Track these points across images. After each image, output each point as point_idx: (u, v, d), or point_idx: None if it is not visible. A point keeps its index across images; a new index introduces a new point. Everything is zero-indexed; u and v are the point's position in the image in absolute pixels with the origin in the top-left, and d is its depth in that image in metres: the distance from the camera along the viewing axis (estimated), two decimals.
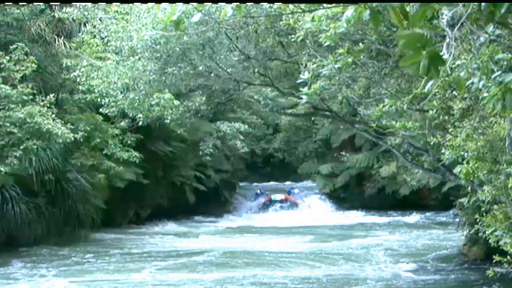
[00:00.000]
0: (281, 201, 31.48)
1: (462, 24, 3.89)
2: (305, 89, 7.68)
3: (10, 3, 18.04)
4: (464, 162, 7.54)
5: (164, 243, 19.28)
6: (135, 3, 11.87)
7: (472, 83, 4.29)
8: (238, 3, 4.30)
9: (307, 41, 9.78)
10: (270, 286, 13.38)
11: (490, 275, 7.06)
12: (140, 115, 13.12)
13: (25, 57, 17.71)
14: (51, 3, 19.03)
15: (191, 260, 16.37)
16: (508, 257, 6.72)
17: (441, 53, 3.76)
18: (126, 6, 12.59)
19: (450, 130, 8.00)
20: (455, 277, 14.19)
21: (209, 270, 15.08)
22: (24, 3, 18.19)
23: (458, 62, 4.80)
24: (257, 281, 13.79)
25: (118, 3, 13.23)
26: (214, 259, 16.54)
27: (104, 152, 20.09)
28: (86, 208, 19.44)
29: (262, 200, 32.00)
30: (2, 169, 16.45)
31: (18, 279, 13.85)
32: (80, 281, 13.93)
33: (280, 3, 10.74)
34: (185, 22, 8.60)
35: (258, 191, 33.86)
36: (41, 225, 18.01)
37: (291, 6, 8.19)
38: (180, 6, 5.70)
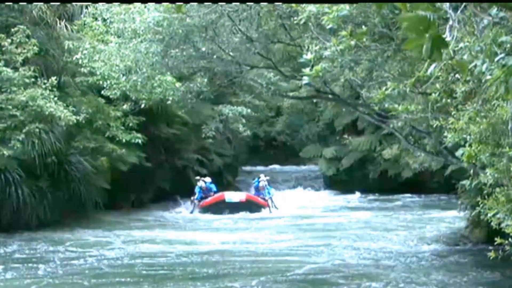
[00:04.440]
0: (239, 204, 22.61)
1: (465, 6, 3.88)
2: (307, 70, 7.66)
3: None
4: (467, 145, 7.54)
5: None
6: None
7: (475, 66, 4.28)
8: None
9: (310, 23, 9.75)
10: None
11: (491, 257, 7.08)
12: (142, 97, 13.13)
13: (27, 40, 17.69)
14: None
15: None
16: (510, 239, 6.74)
17: (444, 36, 3.74)
18: None
19: (452, 113, 7.99)
20: (457, 260, 14.23)
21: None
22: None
23: (461, 45, 4.78)
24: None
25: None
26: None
27: (106, 135, 20.12)
28: (88, 191, 19.48)
29: (208, 199, 23.08)
30: (5, 152, 16.49)
31: (21, 262, 13.85)
32: (82, 263, 13.97)
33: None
34: (186, 5, 8.59)
35: (203, 183, 23.64)
36: (44, 208, 18.05)
37: None
38: None
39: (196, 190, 23.55)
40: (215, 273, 13.10)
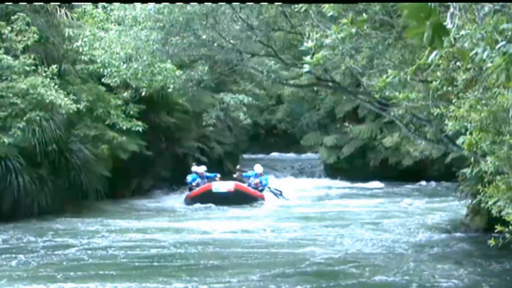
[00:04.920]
0: (227, 194, 21.25)
1: None
2: (307, 58, 7.63)
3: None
4: (467, 133, 7.53)
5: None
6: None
7: (476, 53, 4.27)
8: None
9: (310, 11, 9.73)
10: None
11: (491, 245, 7.10)
12: (143, 84, 13.10)
13: (27, 28, 17.65)
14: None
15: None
16: (510, 227, 6.75)
17: (445, 23, 3.73)
18: None
19: (453, 101, 7.98)
20: (457, 247, 14.26)
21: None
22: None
23: (462, 32, 4.76)
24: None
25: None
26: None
27: (106, 123, 20.12)
28: (89, 179, 19.50)
29: (196, 190, 21.88)
30: (5, 140, 16.50)
31: (21, 250, 13.78)
32: (65, 254, 13.54)
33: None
34: None
35: (198, 170, 22.68)
36: (45, 196, 18.07)
37: None
38: None
39: (190, 177, 22.48)
40: (214, 265, 12.60)
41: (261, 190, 22.47)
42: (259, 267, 12.35)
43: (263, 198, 22.09)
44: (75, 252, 13.71)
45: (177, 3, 11.23)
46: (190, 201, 21.60)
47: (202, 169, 22.98)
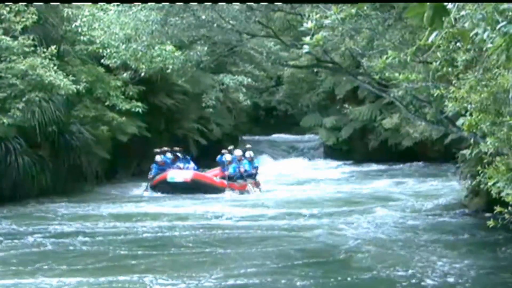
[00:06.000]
0: (182, 184, 19.59)
1: None
2: (307, 39, 7.60)
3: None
4: (467, 114, 7.51)
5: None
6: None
7: (477, 34, 4.25)
8: None
9: None
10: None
11: (490, 226, 7.11)
12: (142, 66, 13.07)
13: (26, 8, 17.57)
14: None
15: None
16: (509, 208, 6.75)
17: (445, 4, 3.71)
18: None
19: (453, 82, 7.96)
20: (456, 228, 14.28)
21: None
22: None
23: (462, 12, 4.74)
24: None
25: None
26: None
27: (106, 104, 20.10)
28: (89, 160, 19.50)
29: (156, 178, 20.08)
30: (5, 120, 16.49)
31: (22, 231, 13.72)
32: (83, 234, 13.39)
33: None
34: None
35: (159, 157, 20.45)
36: (45, 177, 18.07)
37: None
38: None
39: (153, 169, 20.53)
40: (210, 254, 11.63)
41: (231, 178, 20.40)
42: (256, 257, 11.39)
43: (229, 188, 20.09)
44: (39, 239, 12.75)
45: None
46: (152, 189, 20.19)
47: (168, 156, 20.95)
